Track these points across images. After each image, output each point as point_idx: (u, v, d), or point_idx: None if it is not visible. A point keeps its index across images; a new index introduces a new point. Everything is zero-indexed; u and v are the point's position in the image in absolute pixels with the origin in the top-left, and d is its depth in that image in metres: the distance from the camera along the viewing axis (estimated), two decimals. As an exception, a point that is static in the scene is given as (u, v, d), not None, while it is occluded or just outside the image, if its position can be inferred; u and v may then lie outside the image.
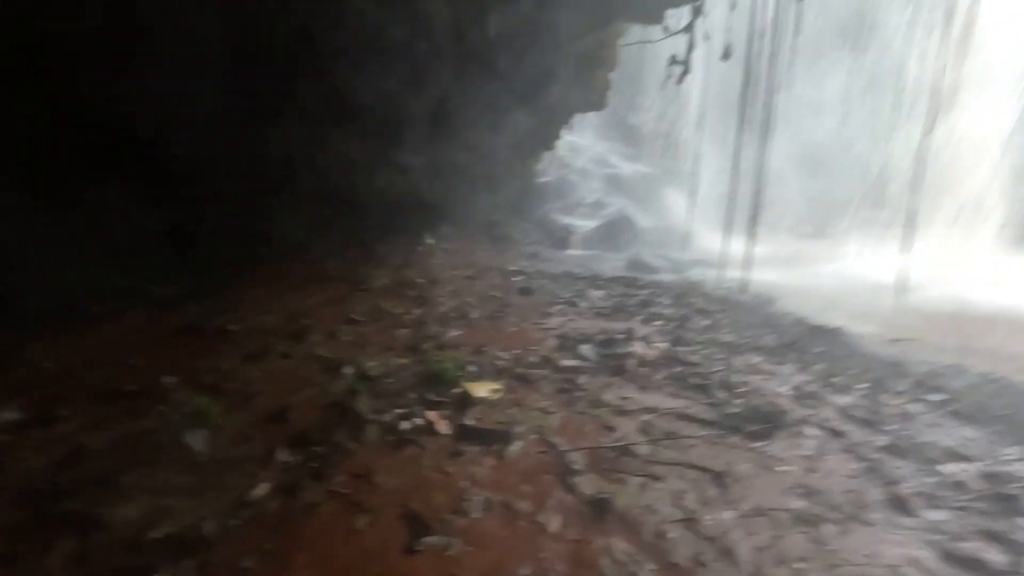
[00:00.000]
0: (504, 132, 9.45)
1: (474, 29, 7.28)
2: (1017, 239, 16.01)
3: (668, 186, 17.95)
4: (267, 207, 6.70)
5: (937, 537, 2.36)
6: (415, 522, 2.24)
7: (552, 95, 9.64)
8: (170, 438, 2.72)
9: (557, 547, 2.17)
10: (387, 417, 3.08)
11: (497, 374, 3.90)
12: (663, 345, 4.80)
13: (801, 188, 18.12)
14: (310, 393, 3.43)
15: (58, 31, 4.49)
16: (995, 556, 2.25)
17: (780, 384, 4.10)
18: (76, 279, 4.80)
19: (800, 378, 4.29)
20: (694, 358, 4.51)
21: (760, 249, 9.14)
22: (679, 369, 4.23)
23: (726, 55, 9.11)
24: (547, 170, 15.46)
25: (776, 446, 3.10)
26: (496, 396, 3.47)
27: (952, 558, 2.23)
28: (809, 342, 5.49)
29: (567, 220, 13.67)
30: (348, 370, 3.73)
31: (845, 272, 11.58)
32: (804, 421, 3.45)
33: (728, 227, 9.58)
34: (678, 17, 9.63)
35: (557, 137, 12.39)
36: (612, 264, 10.45)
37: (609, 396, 3.64)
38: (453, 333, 4.81)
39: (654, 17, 9.49)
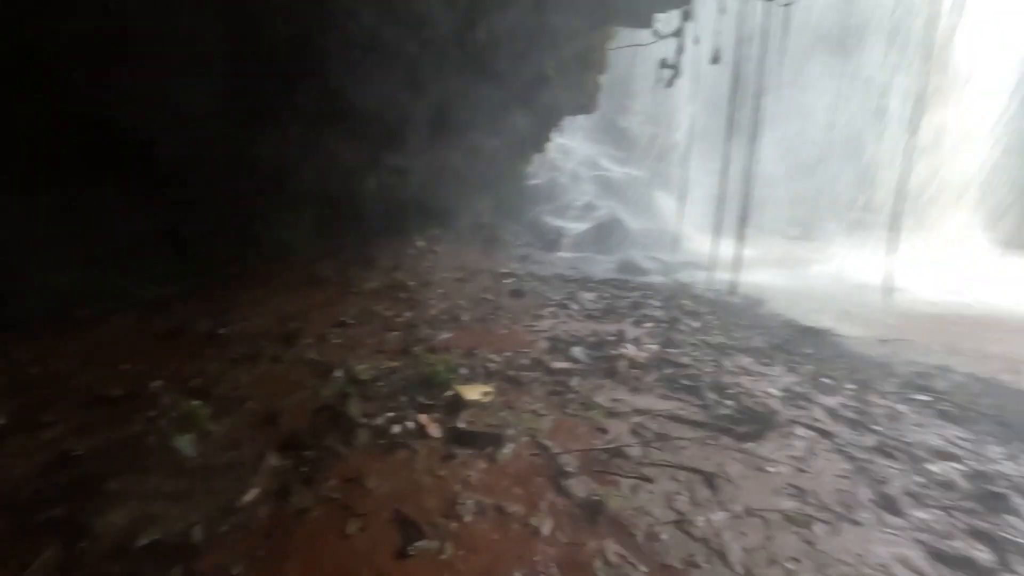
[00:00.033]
0: (496, 135, 9.46)
1: (472, 32, 7.28)
2: (1002, 241, 16.28)
3: (658, 189, 18.05)
4: (258, 209, 6.64)
5: (926, 536, 2.38)
6: (407, 526, 2.23)
7: (543, 98, 9.66)
8: (158, 443, 2.69)
9: (550, 550, 2.16)
10: (378, 421, 3.07)
11: (488, 377, 3.89)
12: (654, 347, 4.81)
13: (789, 191, 18.31)
14: (300, 397, 3.40)
15: (56, 32, 4.43)
16: (983, 554, 2.28)
17: (770, 385, 4.13)
18: (63, 281, 4.73)
19: (789, 379, 4.33)
20: (685, 360, 4.52)
21: (749, 251, 9.22)
22: (670, 371, 4.24)
23: (715, 59, 9.17)
24: (538, 173, 15.49)
25: (767, 447, 3.12)
26: (487, 399, 3.46)
27: (941, 557, 2.25)
28: (798, 343, 5.54)
29: (558, 222, 13.70)
30: (338, 373, 3.71)
31: (833, 273, 11.69)
32: (794, 422, 3.47)
33: (717, 229, 9.65)
34: (668, 21, 9.69)
35: (547, 140, 12.41)
36: (603, 266, 10.48)
37: (600, 398, 3.64)
38: (444, 335, 4.79)
39: (643, 21, 9.54)
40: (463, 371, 3.89)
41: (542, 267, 9.27)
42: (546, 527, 2.29)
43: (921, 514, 2.55)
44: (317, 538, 2.16)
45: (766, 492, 2.65)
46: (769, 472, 2.85)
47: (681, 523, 2.36)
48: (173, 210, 5.63)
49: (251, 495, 2.37)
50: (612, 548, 2.18)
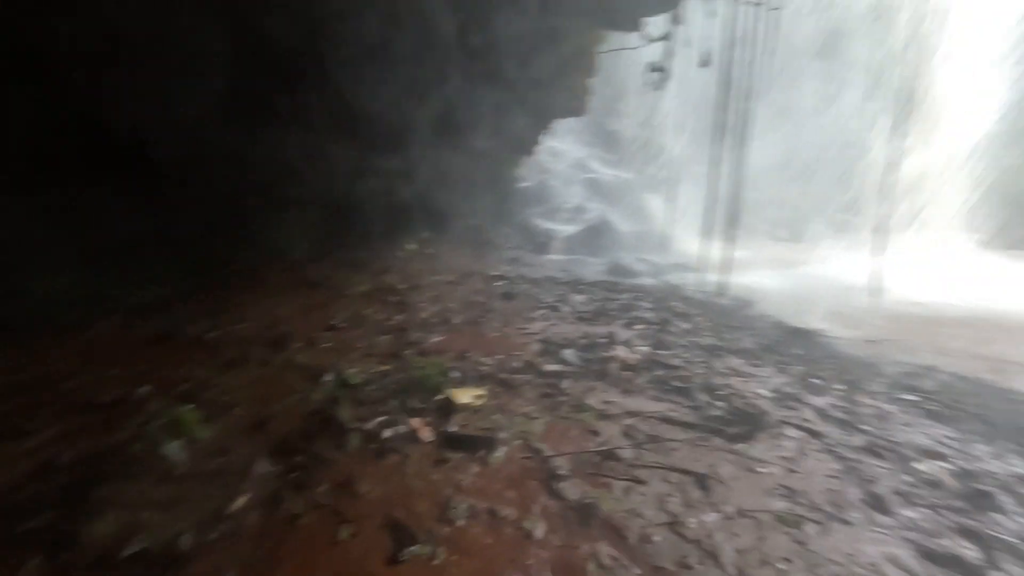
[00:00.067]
0: (493, 137, 9.46)
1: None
2: (986, 241, 16.54)
3: (647, 191, 18.16)
4: (248, 212, 6.59)
5: (914, 535, 2.40)
6: (399, 531, 2.21)
7: (535, 100, 9.68)
8: (145, 450, 2.65)
9: (543, 553, 2.16)
10: (369, 425, 3.04)
11: (480, 380, 3.88)
12: (645, 349, 4.83)
13: (777, 193, 18.48)
14: (290, 402, 3.37)
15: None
16: (970, 552, 2.30)
17: (760, 386, 4.15)
18: (49, 285, 4.66)
19: (779, 380, 4.36)
20: (675, 361, 4.54)
21: (738, 253, 9.29)
22: (661, 373, 4.26)
23: (704, 62, 9.25)
24: (528, 175, 15.52)
25: (757, 448, 3.13)
26: (479, 402, 3.45)
27: (929, 555, 2.27)
28: (787, 344, 5.59)
29: (548, 225, 13.73)
30: (329, 378, 3.68)
31: (821, 275, 11.81)
32: (784, 422, 3.50)
33: (707, 231, 9.72)
34: (657, 24, 9.76)
35: (538, 142, 12.44)
36: (593, 268, 10.51)
37: (592, 400, 3.65)
38: (435, 339, 4.78)
39: (633, 24, 9.60)
40: (455, 374, 3.87)
41: (533, 269, 9.28)
42: (539, 530, 2.28)
43: (910, 513, 2.58)
44: (308, 545, 2.14)
45: (757, 493, 2.67)
46: (760, 473, 2.86)
47: (674, 525, 2.37)
48: (158, 213, 5.57)
49: (241, 502, 2.34)
50: (605, 551, 2.18)
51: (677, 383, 4.04)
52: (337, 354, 4.24)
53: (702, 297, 8.12)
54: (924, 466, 3.04)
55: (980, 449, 3.35)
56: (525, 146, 11.94)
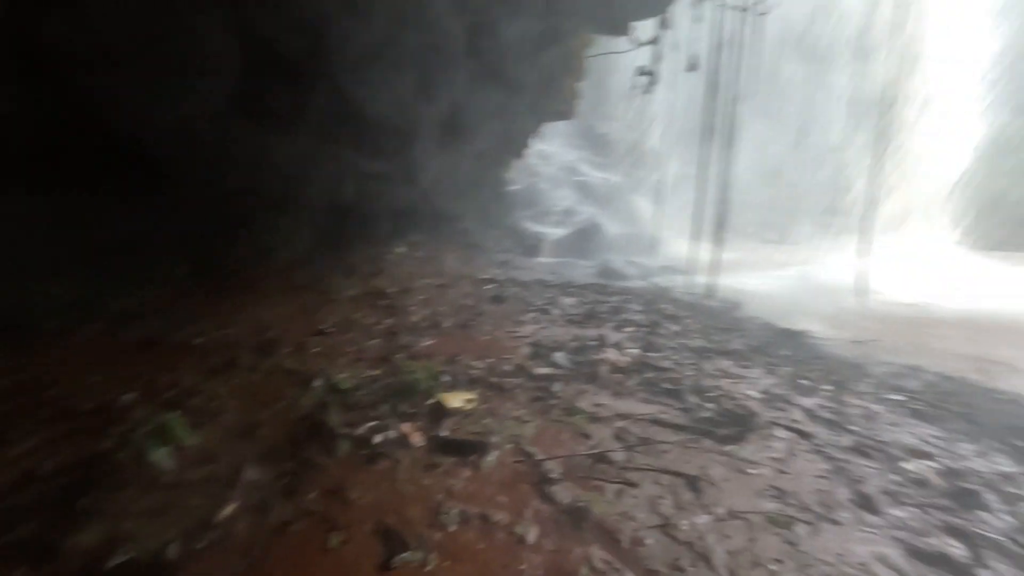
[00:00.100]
0: (479, 142, 9.46)
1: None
2: (970, 242, 16.83)
3: (636, 194, 18.27)
4: (233, 215, 6.52)
5: (903, 534, 2.43)
6: (390, 538, 2.20)
7: (525, 103, 9.70)
8: (131, 458, 2.60)
9: (536, 558, 2.15)
10: (359, 430, 3.02)
11: (471, 383, 3.86)
12: (635, 351, 4.85)
13: (765, 195, 18.67)
14: (279, 408, 3.33)
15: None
16: (957, 550, 2.33)
17: (749, 387, 4.18)
18: (27, 292, 4.57)
19: (768, 381, 4.39)
20: (665, 363, 4.56)
21: (726, 254, 9.35)
22: (651, 375, 4.27)
23: (692, 66, 9.33)
24: (517, 178, 15.54)
25: (747, 449, 3.15)
26: (470, 406, 3.44)
27: (917, 554, 2.30)
28: (776, 345, 5.64)
29: (537, 228, 13.76)
30: (318, 383, 3.65)
31: (807, 276, 11.93)
32: (774, 423, 3.52)
33: (695, 233, 9.79)
34: (645, 28, 9.82)
35: (527, 145, 12.47)
36: (583, 271, 10.54)
37: (583, 403, 3.65)
38: (425, 343, 4.75)
39: (621, 28, 9.66)
40: (445, 378, 3.86)
41: (523, 272, 9.28)
42: (531, 535, 2.27)
43: (898, 512, 2.60)
44: (298, 553, 2.11)
45: (748, 494, 2.68)
46: (751, 474, 2.88)
47: (665, 527, 2.37)
48: (148, 216, 5.50)
49: (229, 510, 2.30)
50: (598, 554, 2.18)
51: (667, 385, 4.06)
52: (326, 359, 4.20)
53: (691, 299, 8.17)
54: (911, 465, 3.07)
55: (965, 448, 3.40)
56: (515, 149, 11.95)
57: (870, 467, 3.04)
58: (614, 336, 5.33)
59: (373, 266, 7.62)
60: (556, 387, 3.88)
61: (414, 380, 3.58)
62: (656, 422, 3.45)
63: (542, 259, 11.76)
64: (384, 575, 2.02)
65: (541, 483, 2.66)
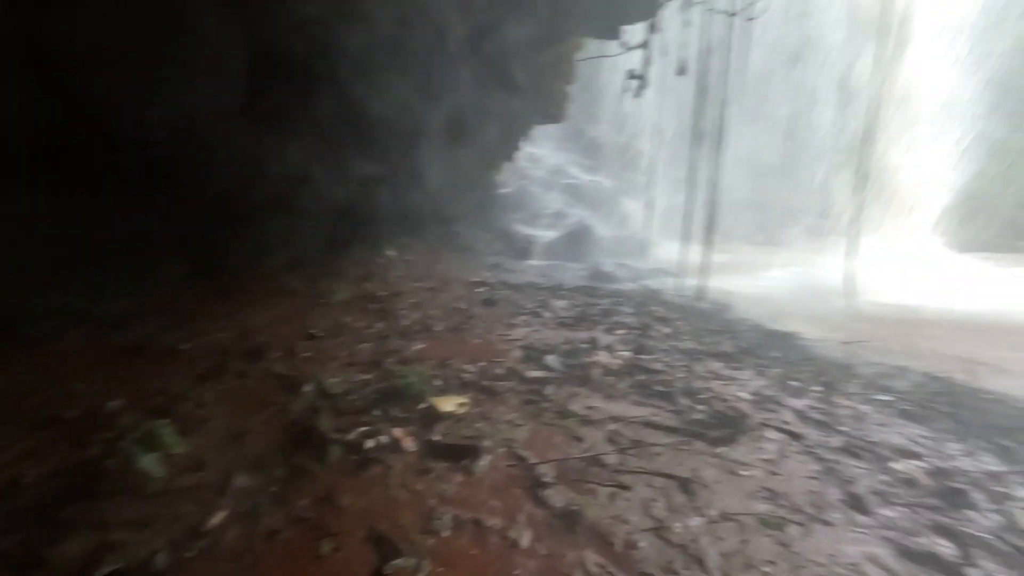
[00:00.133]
0: (475, 144, 9.47)
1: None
2: (957, 244, 17.07)
3: (626, 196, 18.34)
4: (220, 218, 6.46)
5: (893, 534, 2.45)
6: (383, 544, 2.18)
7: (515, 106, 9.72)
8: (118, 466, 2.56)
9: (529, 563, 2.14)
10: (351, 436, 2.99)
11: (463, 387, 3.85)
12: (626, 354, 4.86)
13: (753, 197, 18.83)
14: (269, 413, 3.30)
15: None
16: (946, 549, 2.35)
17: (740, 389, 4.20)
18: (9, 298, 4.49)
19: (759, 382, 4.42)
20: (657, 366, 4.57)
21: (716, 257, 9.41)
22: (643, 377, 4.28)
23: (681, 70, 9.39)
24: (508, 181, 15.56)
25: (739, 450, 3.16)
26: (463, 410, 3.43)
27: (907, 553, 2.32)
28: (766, 347, 5.67)
29: (528, 231, 13.76)
30: (308, 388, 3.62)
31: (796, 278, 12.03)
32: (764, 425, 3.54)
33: (685, 236, 9.84)
34: (635, 33, 9.89)
35: (518, 148, 12.48)
36: (574, 274, 10.55)
37: (576, 406, 3.64)
38: (417, 346, 4.73)
39: (611, 32, 9.72)
40: (437, 382, 3.84)
41: (514, 275, 9.28)
42: (525, 539, 2.27)
43: (888, 512, 2.62)
44: (289, 560, 2.09)
45: (740, 496, 2.69)
46: (742, 476, 2.89)
47: (659, 530, 2.37)
48: (127, 219, 5.43)
49: (218, 518, 2.28)
50: (592, 558, 2.17)
51: (659, 387, 4.07)
52: (317, 364, 4.17)
53: (681, 301, 8.20)
54: (900, 465, 3.10)
55: (953, 447, 3.44)
56: (507, 151, 11.96)
57: (860, 468, 3.06)
58: (605, 339, 5.34)
59: (363, 269, 7.59)
60: (548, 390, 3.88)
61: (406, 384, 3.56)
62: (648, 424, 3.45)
63: (533, 262, 11.75)
64: (377, 582, 2.00)
65: (534, 487, 2.65)
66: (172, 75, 4.87)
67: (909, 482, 2.93)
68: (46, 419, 3.09)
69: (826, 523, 2.50)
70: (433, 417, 3.28)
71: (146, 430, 2.76)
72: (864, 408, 4.02)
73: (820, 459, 3.13)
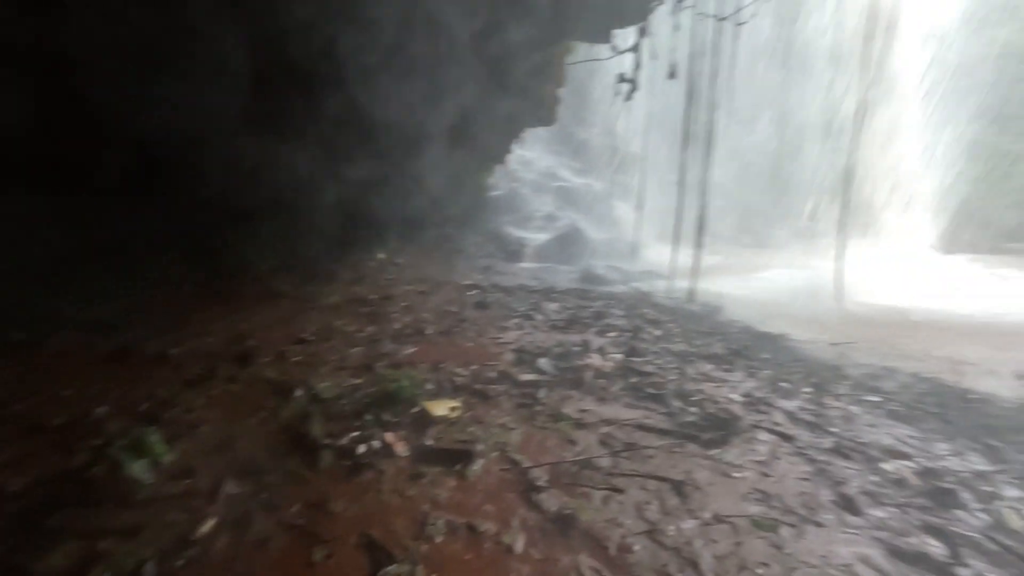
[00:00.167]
0: (478, 147, 9.47)
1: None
2: (944, 245, 17.31)
3: (617, 199, 18.41)
4: (217, 220, 6.41)
5: (883, 534, 2.46)
6: (375, 551, 2.16)
7: (507, 109, 9.73)
8: (104, 474, 2.52)
9: (523, 568, 2.13)
10: (342, 441, 2.97)
11: (455, 391, 3.84)
12: (618, 356, 4.86)
13: (742, 200, 18.97)
14: (259, 419, 3.26)
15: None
16: (936, 549, 2.37)
17: (731, 391, 4.22)
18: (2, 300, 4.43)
19: (750, 384, 4.44)
20: (649, 368, 4.58)
21: (706, 259, 9.46)
22: (635, 380, 4.29)
23: (671, 74, 9.45)
24: (499, 184, 15.56)
25: (731, 452, 3.17)
26: (455, 414, 3.41)
27: (898, 553, 2.33)
28: (756, 349, 5.70)
29: (519, 233, 13.76)
30: (299, 393, 3.59)
31: (785, 280, 12.13)
32: (756, 426, 3.55)
33: (675, 239, 9.89)
34: (625, 36, 9.93)
35: (509, 151, 12.48)
36: (565, 276, 10.56)
37: (568, 409, 3.64)
38: (408, 350, 4.71)
39: (601, 36, 9.75)
40: (429, 386, 3.82)
41: (505, 278, 9.27)
42: (519, 544, 2.26)
43: (878, 512, 2.64)
44: (280, 568, 2.06)
45: (733, 498, 2.70)
46: (735, 478, 2.90)
47: (652, 533, 2.37)
48: (113, 223, 5.37)
49: (208, 526, 2.24)
50: (586, 562, 2.17)
51: (651, 390, 4.08)
52: (307, 368, 4.14)
53: (672, 303, 8.24)
54: (889, 466, 3.13)
55: (941, 448, 3.47)
56: (499, 154, 11.96)
57: (850, 468, 3.08)
58: (597, 341, 5.34)
59: (353, 272, 7.56)
60: (541, 393, 3.87)
61: (397, 388, 3.53)
62: (641, 427, 3.46)
63: (524, 264, 11.76)
64: (369, 589, 1.98)
65: (527, 491, 2.64)
66: (172, 77, 4.83)
67: (899, 482, 2.95)
68: (31, 426, 3.03)
69: (818, 524, 2.52)
70: (425, 421, 3.26)
71: (134, 436, 2.72)
72: (854, 409, 4.06)
73: (811, 460, 3.15)
